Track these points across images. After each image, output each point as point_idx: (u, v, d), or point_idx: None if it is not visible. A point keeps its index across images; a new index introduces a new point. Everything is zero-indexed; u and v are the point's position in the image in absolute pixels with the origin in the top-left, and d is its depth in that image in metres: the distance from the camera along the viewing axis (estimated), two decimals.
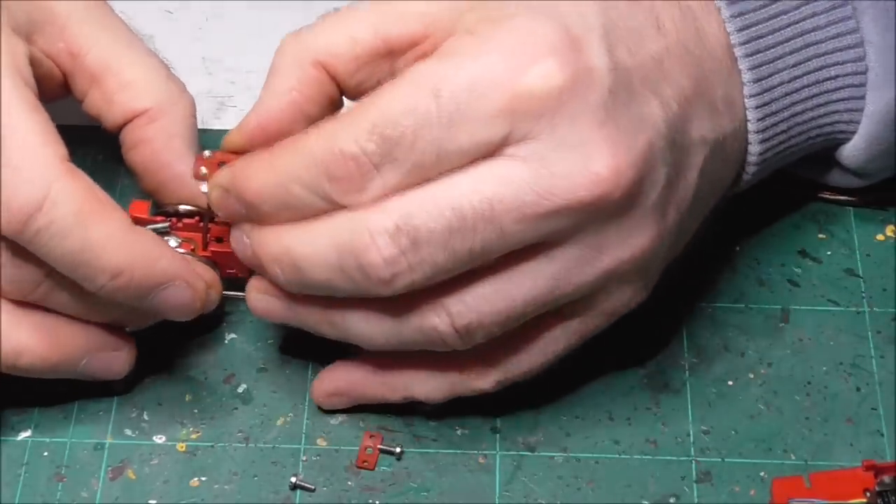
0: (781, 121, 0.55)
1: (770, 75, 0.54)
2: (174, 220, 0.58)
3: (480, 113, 0.48)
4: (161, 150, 0.57)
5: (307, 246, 0.50)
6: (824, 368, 0.58)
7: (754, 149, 0.55)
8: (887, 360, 0.58)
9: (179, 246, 0.57)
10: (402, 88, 0.49)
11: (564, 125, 0.48)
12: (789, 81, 0.54)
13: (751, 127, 0.54)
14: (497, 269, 0.50)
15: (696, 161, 0.52)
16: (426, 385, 0.55)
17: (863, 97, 0.56)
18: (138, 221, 0.57)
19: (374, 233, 0.48)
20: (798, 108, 0.55)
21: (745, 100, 0.54)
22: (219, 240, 0.57)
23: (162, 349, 0.59)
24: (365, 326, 0.52)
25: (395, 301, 0.51)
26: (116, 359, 0.55)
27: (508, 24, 0.49)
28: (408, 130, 0.48)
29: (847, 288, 0.61)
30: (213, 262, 0.57)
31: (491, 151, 0.48)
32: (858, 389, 0.58)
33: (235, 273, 0.58)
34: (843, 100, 0.56)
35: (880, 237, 0.63)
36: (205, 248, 0.57)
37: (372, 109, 0.49)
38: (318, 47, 0.52)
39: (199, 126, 0.66)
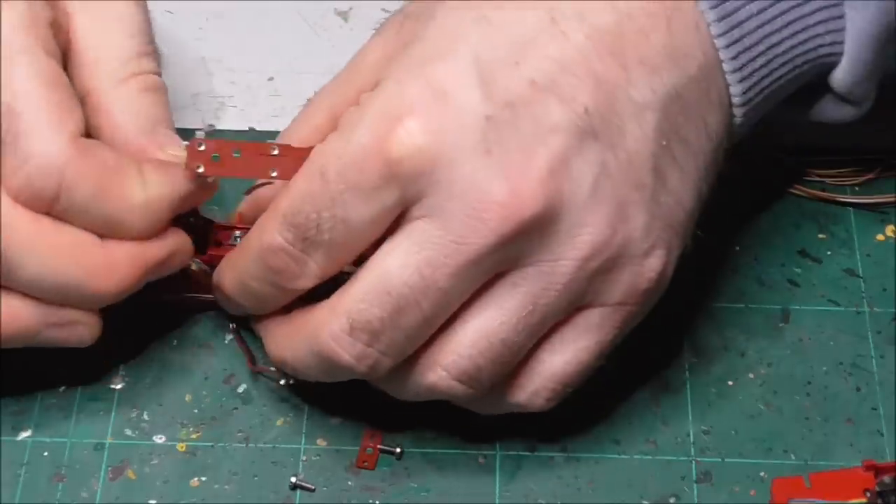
0: (758, 55, 0.52)
1: (735, 10, 0.51)
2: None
3: (365, 185, 0.49)
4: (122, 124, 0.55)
5: (294, 354, 0.54)
6: (824, 368, 0.58)
7: (735, 89, 0.53)
8: (887, 360, 0.58)
9: None
10: (301, 174, 0.51)
11: (447, 174, 0.48)
12: (758, 13, 0.52)
13: (726, 67, 0.52)
14: (471, 310, 0.51)
15: (641, 130, 0.50)
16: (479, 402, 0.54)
17: (842, 16, 0.54)
18: None
19: (336, 338, 0.51)
20: (774, 38, 0.53)
21: (714, 39, 0.51)
22: (218, 243, 0.57)
23: (162, 349, 0.59)
24: (387, 389, 0.54)
25: (398, 372, 0.52)
26: (76, 331, 0.55)
27: (381, 90, 0.50)
28: (310, 215, 0.50)
29: (847, 288, 0.61)
30: (211, 265, 0.57)
31: (397, 217, 0.50)
32: (858, 389, 0.58)
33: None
34: (821, 22, 0.53)
35: (880, 237, 0.63)
36: (204, 251, 0.57)
37: (282, 200, 0.51)
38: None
39: (200, 126, 0.66)
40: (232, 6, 0.71)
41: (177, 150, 0.55)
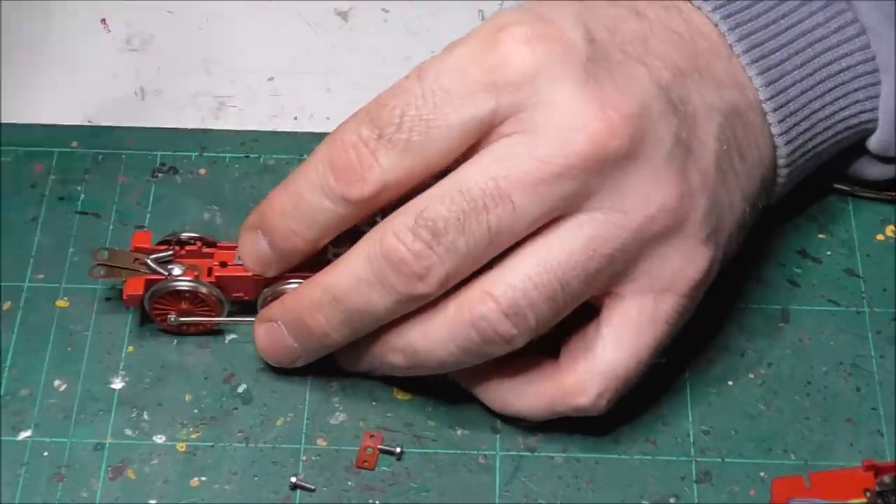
0: (802, 119, 0.55)
1: (781, 77, 0.54)
2: (177, 248, 0.58)
3: (462, 89, 0.49)
4: None
5: (343, 275, 0.52)
6: (824, 368, 0.58)
7: (781, 151, 0.55)
8: (887, 360, 0.58)
9: (184, 273, 0.57)
10: (395, 82, 0.51)
11: (547, 89, 0.49)
12: (801, 80, 0.55)
13: (774, 130, 0.55)
14: (532, 244, 0.51)
15: (709, 127, 0.52)
16: (523, 400, 0.54)
17: (879, 83, 0.56)
18: (140, 251, 0.58)
19: (397, 232, 0.50)
20: (816, 104, 0.55)
21: (763, 104, 0.54)
22: (223, 264, 0.57)
23: (162, 349, 0.59)
24: (423, 340, 0.53)
25: (445, 304, 0.51)
26: None
27: (487, 22, 0.51)
28: (395, 111, 0.50)
29: (847, 288, 0.61)
30: (219, 286, 0.57)
31: (485, 132, 0.50)
32: (858, 389, 0.58)
33: (242, 296, 0.58)
34: (861, 88, 0.56)
35: (880, 237, 0.63)
36: (209, 273, 0.57)
37: (369, 103, 0.51)
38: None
39: (200, 126, 0.66)
40: (232, 6, 0.71)
41: None
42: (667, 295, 0.52)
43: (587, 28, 0.51)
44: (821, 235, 0.63)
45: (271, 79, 0.69)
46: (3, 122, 0.66)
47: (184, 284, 0.57)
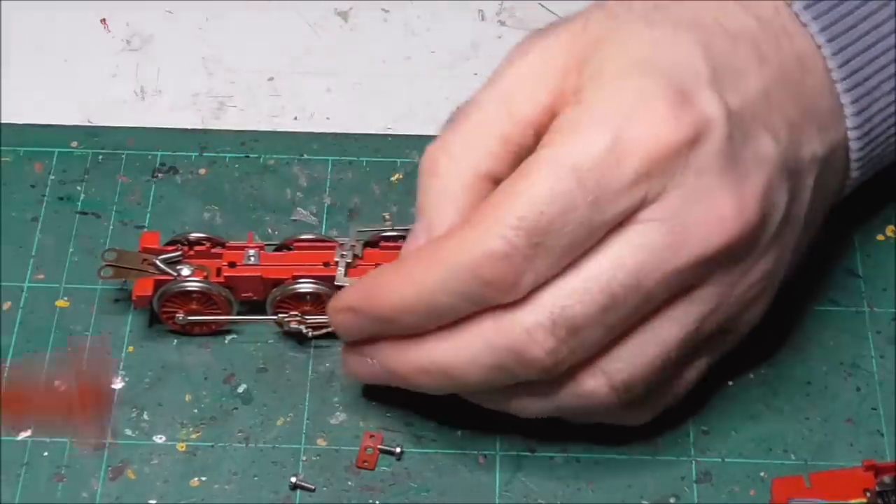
0: (878, 145, 0.55)
1: (869, 105, 0.54)
2: (186, 248, 0.58)
3: (621, 183, 0.47)
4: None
5: (458, 355, 0.50)
6: (824, 368, 0.58)
7: (853, 174, 0.55)
8: (887, 360, 0.58)
9: (193, 274, 0.57)
10: (538, 174, 0.48)
11: (691, 178, 0.48)
12: (885, 108, 0.54)
13: (852, 156, 0.54)
14: (644, 322, 0.50)
15: (808, 181, 0.52)
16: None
17: None
18: (149, 252, 0.58)
19: (532, 331, 0.49)
20: (894, 130, 0.55)
21: (848, 132, 0.54)
22: (232, 264, 0.57)
23: (162, 349, 0.59)
24: (518, 404, 0.53)
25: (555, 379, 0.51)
26: None
27: (621, 88, 0.49)
28: (556, 217, 0.47)
29: (847, 288, 0.61)
30: (228, 287, 0.57)
31: (626, 218, 0.49)
32: (858, 389, 0.58)
33: (251, 296, 0.58)
34: None
35: (880, 237, 0.63)
36: (218, 274, 0.57)
37: (513, 202, 0.48)
38: (479, 161, 0.51)
39: (200, 126, 0.66)
40: (232, 6, 0.71)
41: None
42: (729, 340, 0.54)
43: (723, 96, 0.49)
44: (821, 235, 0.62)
45: (271, 79, 0.69)
46: (3, 122, 0.66)
47: (193, 285, 0.57)
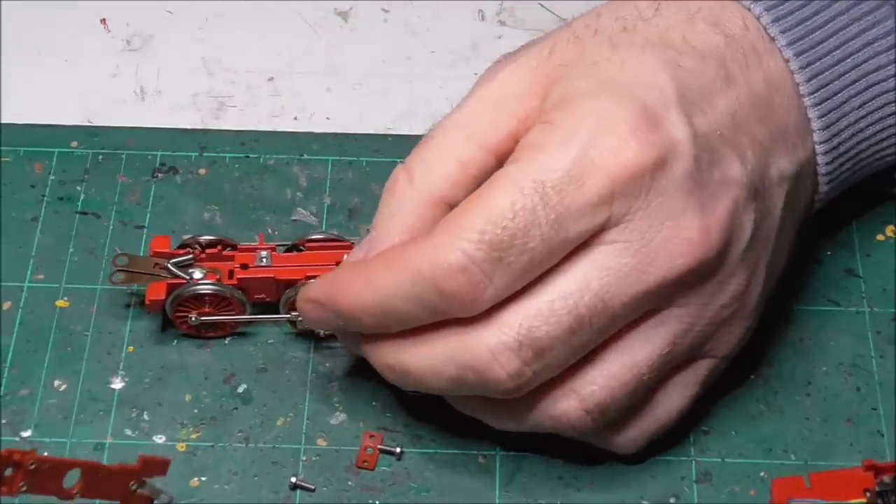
0: (849, 159, 0.55)
1: (837, 120, 0.54)
2: (197, 251, 0.58)
3: (584, 202, 0.47)
4: None
5: (423, 361, 0.50)
6: (824, 368, 0.58)
7: (822, 188, 0.55)
8: (887, 360, 0.58)
9: (205, 277, 0.57)
10: (501, 189, 0.47)
11: (657, 200, 0.48)
12: (855, 122, 0.54)
13: (820, 171, 0.55)
14: (615, 343, 0.50)
15: (777, 200, 0.52)
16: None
17: None
18: (160, 256, 0.58)
19: (496, 352, 0.48)
20: (865, 145, 0.55)
21: (816, 146, 0.54)
22: (244, 266, 0.57)
23: (162, 349, 0.59)
24: (491, 418, 0.53)
25: (526, 399, 0.51)
26: None
27: (587, 109, 0.48)
28: (518, 232, 0.47)
29: (847, 288, 0.61)
30: (241, 289, 0.57)
31: (588, 239, 0.48)
32: (858, 389, 0.58)
33: (264, 297, 0.58)
34: None
35: (880, 237, 0.63)
36: (230, 276, 0.57)
37: (475, 216, 0.47)
38: (435, 185, 0.51)
39: (199, 126, 0.66)
40: (232, 6, 0.71)
41: None
42: (715, 363, 0.54)
43: (690, 119, 0.49)
44: (821, 235, 0.62)
45: (271, 79, 0.69)
46: (3, 122, 0.66)
47: (206, 288, 0.57)
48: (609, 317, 0.49)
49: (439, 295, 0.48)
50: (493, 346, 0.48)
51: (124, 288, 0.59)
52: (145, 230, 0.62)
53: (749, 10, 0.53)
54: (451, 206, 0.50)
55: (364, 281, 0.50)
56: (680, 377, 0.53)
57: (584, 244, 0.49)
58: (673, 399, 0.53)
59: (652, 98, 0.49)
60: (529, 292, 0.48)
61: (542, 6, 0.71)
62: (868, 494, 0.51)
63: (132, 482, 0.50)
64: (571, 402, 0.50)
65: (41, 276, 0.61)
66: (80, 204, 0.63)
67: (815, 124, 0.53)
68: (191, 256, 0.57)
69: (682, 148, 0.48)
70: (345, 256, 0.55)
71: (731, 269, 0.51)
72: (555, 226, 0.47)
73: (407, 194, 0.51)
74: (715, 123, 0.50)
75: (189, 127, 0.66)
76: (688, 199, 0.48)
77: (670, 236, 0.48)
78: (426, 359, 0.50)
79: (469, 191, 0.50)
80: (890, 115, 0.55)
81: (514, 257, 0.47)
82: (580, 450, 0.56)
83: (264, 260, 0.57)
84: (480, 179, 0.50)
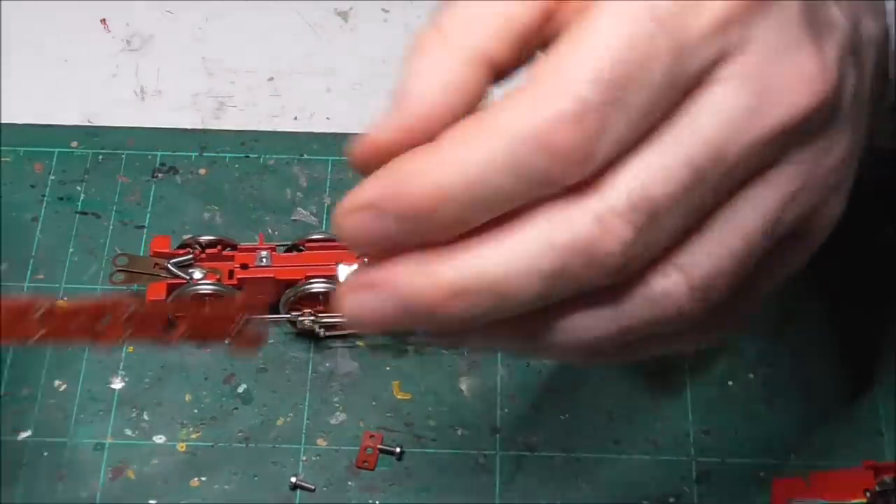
0: None
1: None
2: (197, 251, 0.58)
3: (705, 26, 0.40)
4: None
5: (510, 262, 0.40)
6: (824, 368, 0.58)
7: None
8: (887, 361, 0.58)
9: (205, 277, 0.57)
10: (611, 17, 0.40)
11: (773, 29, 0.42)
12: None
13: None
14: (720, 209, 0.42)
15: (868, 62, 0.47)
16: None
17: None
18: (160, 256, 0.58)
19: (605, 219, 0.39)
20: None
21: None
22: (244, 266, 0.57)
23: (162, 349, 0.59)
24: (578, 325, 0.42)
25: (620, 288, 0.41)
26: None
27: None
28: (637, 67, 0.39)
29: (846, 288, 0.61)
30: (241, 289, 0.57)
31: (703, 77, 0.41)
32: (859, 390, 0.58)
33: (265, 298, 0.58)
34: None
35: (879, 237, 0.62)
36: (230, 276, 0.57)
37: (586, 51, 0.39)
38: (475, 39, 0.42)
39: (199, 126, 0.66)
40: (232, 6, 0.71)
41: None
42: (817, 233, 0.46)
43: None
44: None
45: (271, 79, 0.69)
46: (3, 122, 0.66)
47: (206, 288, 0.57)
48: (726, 170, 0.41)
49: (549, 155, 0.38)
50: (601, 213, 0.39)
51: (124, 288, 0.59)
52: (145, 230, 0.62)
53: None
54: (496, 66, 0.41)
55: (443, 159, 0.39)
56: (779, 260, 0.46)
57: (695, 85, 0.41)
58: (766, 283, 0.45)
59: None
60: (638, 147, 0.40)
61: None
62: (868, 494, 0.51)
63: (238, 317, 0.44)
64: (675, 278, 0.41)
65: (41, 276, 0.61)
66: (80, 204, 0.63)
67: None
68: (191, 256, 0.58)
69: None
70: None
71: (842, 124, 0.45)
72: (676, 56, 0.40)
73: (439, 52, 0.42)
74: None
75: (189, 127, 0.66)
76: (803, 32, 0.43)
77: (789, 71, 0.42)
78: (514, 253, 0.40)
79: (516, 50, 0.41)
80: None
81: (634, 99, 0.39)
82: (580, 450, 0.56)
83: (264, 260, 0.57)
84: (526, 44, 0.42)
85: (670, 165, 0.40)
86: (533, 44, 0.42)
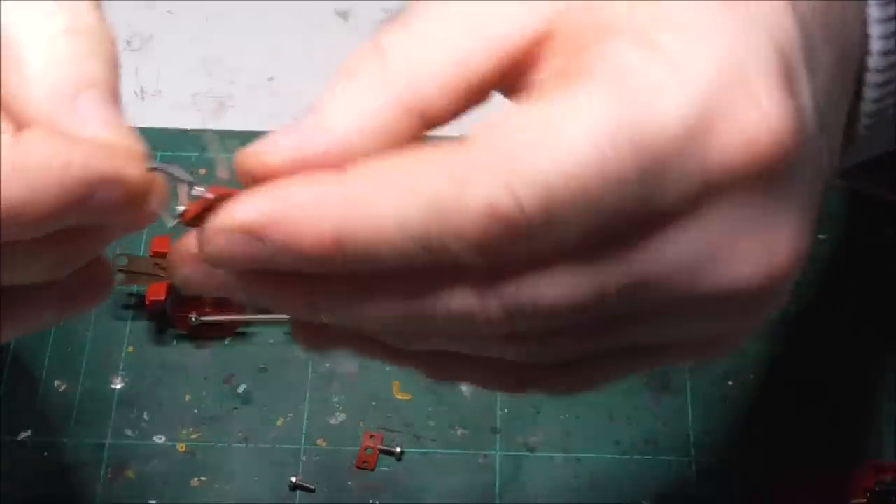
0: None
1: None
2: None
3: (682, 172, 0.33)
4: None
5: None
6: (824, 368, 0.58)
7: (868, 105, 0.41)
8: (887, 361, 0.58)
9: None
10: (582, 126, 0.32)
11: (736, 206, 0.34)
12: None
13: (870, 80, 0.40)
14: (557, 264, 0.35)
15: (840, 114, 0.40)
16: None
17: None
18: (160, 256, 0.58)
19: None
20: None
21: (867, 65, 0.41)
22: None
23: (162, 349, 0.59)
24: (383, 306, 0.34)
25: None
26: None
27: (699, 37, 0.33)
28: (591, 191, 0.32)
29: (846, 288, 0.61)
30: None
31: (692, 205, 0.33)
32: (859, 389, 0.58)
33: None
34: None
35: (880, 237, 0.63)
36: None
37: (542, 150, 0.32)
38: (415, 82, 0.35)
39: (199, 126, 0.66)
40: (232, 6, 0.71)
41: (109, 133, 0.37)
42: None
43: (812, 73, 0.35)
44: (821, 235, 0.62)
45: (271, 79, 0.69)
46: None
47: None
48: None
49: (466, 244, 0.32)
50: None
51: (124, 288, 0.59)
52: (145, 230, 0.62)
53: None
54: (426, 120, 0.35)
55: (348, 202, 0.33)
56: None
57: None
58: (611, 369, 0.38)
59: (786, 43, 0.34)
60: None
61: None
62: (868, 494, 0.51)
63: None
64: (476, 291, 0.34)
65: None
66: None
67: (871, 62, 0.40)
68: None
69: (808, 130, 0.35)
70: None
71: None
72: (642, 200, 0.32)
73: (371, 84, 0.35)
74: (821, 91, 0.36)
75: (189, 127, 0.66)
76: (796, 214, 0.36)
77: (750, 248, 0.34)
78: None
79: (458, 107, 0.35)
80: None
81: (575, 220, 0.32)
82: (580, 450, 0.56)
83: None
84: (469, 93, 0.35)
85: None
86: (487, 90, 0.35)
